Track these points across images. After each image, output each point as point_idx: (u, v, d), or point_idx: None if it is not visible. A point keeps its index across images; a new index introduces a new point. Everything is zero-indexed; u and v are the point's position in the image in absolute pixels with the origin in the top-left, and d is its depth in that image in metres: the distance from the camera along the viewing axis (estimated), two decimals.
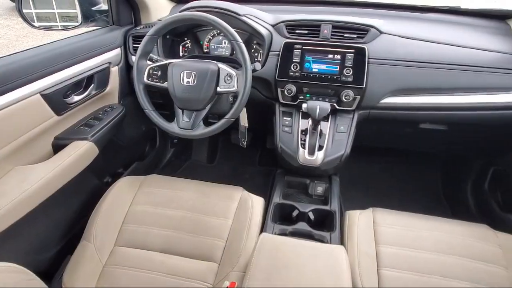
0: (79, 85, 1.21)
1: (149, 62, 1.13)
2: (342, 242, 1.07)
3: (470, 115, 1.19)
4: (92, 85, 1.24)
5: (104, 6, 1.40)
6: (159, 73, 1.11)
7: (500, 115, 1.17)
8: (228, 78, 1.07)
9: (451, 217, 1.09)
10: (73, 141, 1.13)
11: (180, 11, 1.24)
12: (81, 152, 1.11)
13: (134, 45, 1.39)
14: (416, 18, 1.44)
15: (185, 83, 1.07)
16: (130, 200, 1.14)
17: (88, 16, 1.35)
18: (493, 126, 1.27)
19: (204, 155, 2.12)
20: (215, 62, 1.09)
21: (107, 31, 1.37)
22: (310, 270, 0.79)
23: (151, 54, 1.16)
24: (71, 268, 0.97)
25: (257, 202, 1.14)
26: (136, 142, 1.68)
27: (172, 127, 1.13)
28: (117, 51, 1.37)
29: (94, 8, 1.38)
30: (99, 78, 1.26)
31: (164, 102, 1.43)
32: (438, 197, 1.84)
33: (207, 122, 1.17)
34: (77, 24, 1.32)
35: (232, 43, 1.05)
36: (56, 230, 1.20)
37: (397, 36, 1.22)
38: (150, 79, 1.12)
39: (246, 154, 2.10)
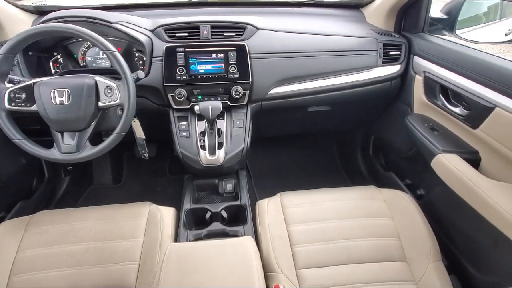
0: None
1: (8, 85, 0.98)
2: (255, 231, 1.11)
3: (344, 94, 1.36)
4: None
5: None
6: (24, 95, 0.97)
7: (366, 90, 1.37)
8: (109, 91, 0.99)
9: (351, 185, 1.23)
10: None
11: (40, 23, 1.10)
12: None
13: None
14: (288, 13, 1.57)
15: (58, 103, 0.96)
16: (15, 246, 0.98)
17: None
18: (362, 100, 1.47)
19: (109, 176, 1.95)
20: (91, 75, 1.00)
21: None
22: (220, 267, 0.80)
23: (10, 76, 1.01)
24: None
25: (167, 214, 1.10)
26: (16, 178, 1.45)
27: (52, 154, 1.01)
28: None
29: None
30: None
31: (43, 127, 1.26)
32: (338, 170, 2.06)
33: (100, 140, 1.07)
34: None
35: (105, 53, 0.98)
36: None
37: (273, 30, 1.31)
38: (13, 104, 0.97)
39: (155, 166, 2.00)
